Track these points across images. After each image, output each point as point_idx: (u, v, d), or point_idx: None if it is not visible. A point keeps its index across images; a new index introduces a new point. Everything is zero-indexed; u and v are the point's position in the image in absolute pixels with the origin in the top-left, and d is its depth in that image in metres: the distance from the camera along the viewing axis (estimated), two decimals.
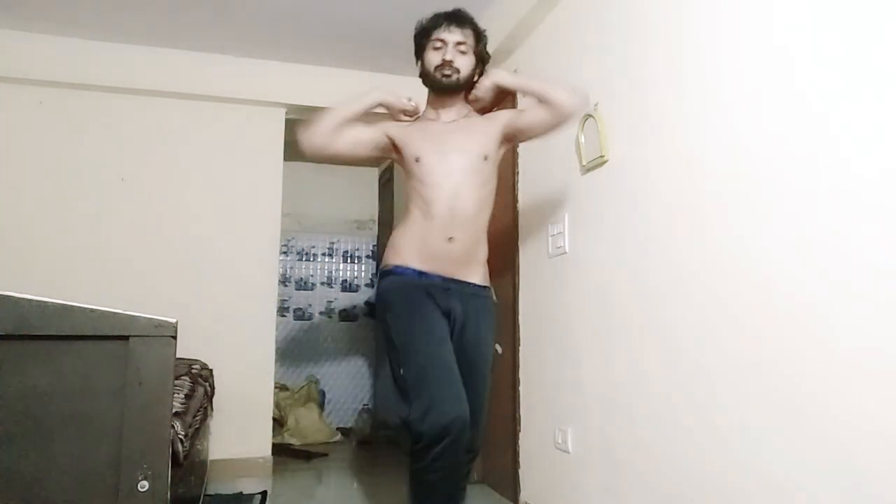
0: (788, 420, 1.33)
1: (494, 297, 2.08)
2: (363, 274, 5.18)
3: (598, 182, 2.11)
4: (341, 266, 5.14)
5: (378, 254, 5.12)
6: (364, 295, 5.12)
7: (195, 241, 3.36)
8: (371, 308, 5.05)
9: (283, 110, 3.57)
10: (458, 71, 1.94)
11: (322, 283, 5.07)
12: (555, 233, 2.40)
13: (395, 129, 1.99)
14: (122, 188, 3.29)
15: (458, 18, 1.97)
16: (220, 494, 2.82)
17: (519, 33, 2.73)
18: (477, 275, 1.97)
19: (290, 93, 3.53)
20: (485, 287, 1.99)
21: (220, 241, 3.39)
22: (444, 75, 1.94)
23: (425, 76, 2.00)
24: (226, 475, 3.13)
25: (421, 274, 1.88)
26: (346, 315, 5.07)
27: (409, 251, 1.91)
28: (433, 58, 1.96)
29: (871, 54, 1.20)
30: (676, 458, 1.68)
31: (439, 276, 1.88)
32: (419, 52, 2.03)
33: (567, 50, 2.39)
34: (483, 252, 2.00)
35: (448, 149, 1.91)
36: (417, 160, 1.90)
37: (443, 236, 1.87)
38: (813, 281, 1.29)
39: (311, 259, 5.07)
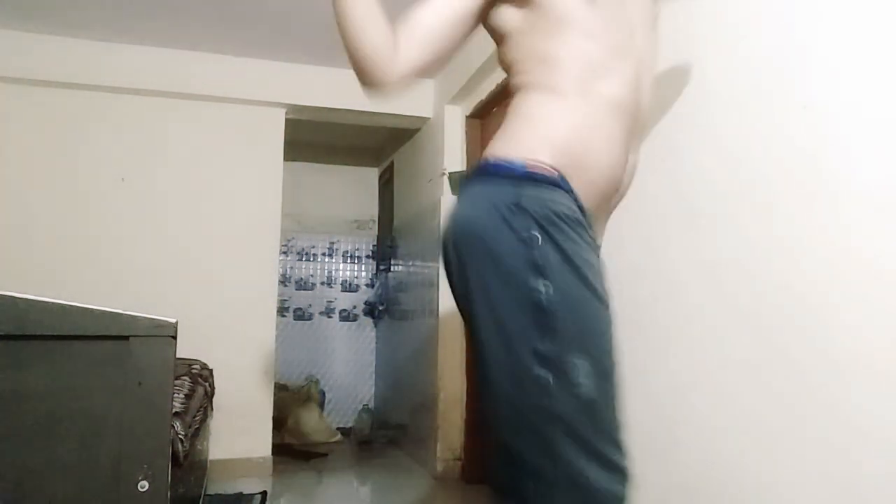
0: (788, 419, 1.33)
1: None
2: (363, 274, 5.17)
3: None
4: (341, 266, 5.13)
5: (378, 253, 5.10)
6: (364, 295, 5.11)
7: (195, 241, 3.36)
8: (371, 308, 5.03)
9: (283, 110, 3.57)
10: None
11: (322, 283, 5.06)
12: None
13: None
14: (122, 188, 3.29)
15: None
16: (220, 494, 2.82)
17: None
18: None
19: (290, 93, 3.53)
20: None
21: (220, 240, 3.39)
22: None
23: None
24: (226, 475, 3.13)
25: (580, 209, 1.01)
26: (346, 315, 5.07)
27: (572, 155, 0.98)
28: None
29: (873, 53, 1.20)
30: (676, 457, 1.68)
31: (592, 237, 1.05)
32: None
33: None
34: None
35: None
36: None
37: (623, 151, 1.03)
38: (813, 281, 1.29)
39: (311, 259, 5.06)
